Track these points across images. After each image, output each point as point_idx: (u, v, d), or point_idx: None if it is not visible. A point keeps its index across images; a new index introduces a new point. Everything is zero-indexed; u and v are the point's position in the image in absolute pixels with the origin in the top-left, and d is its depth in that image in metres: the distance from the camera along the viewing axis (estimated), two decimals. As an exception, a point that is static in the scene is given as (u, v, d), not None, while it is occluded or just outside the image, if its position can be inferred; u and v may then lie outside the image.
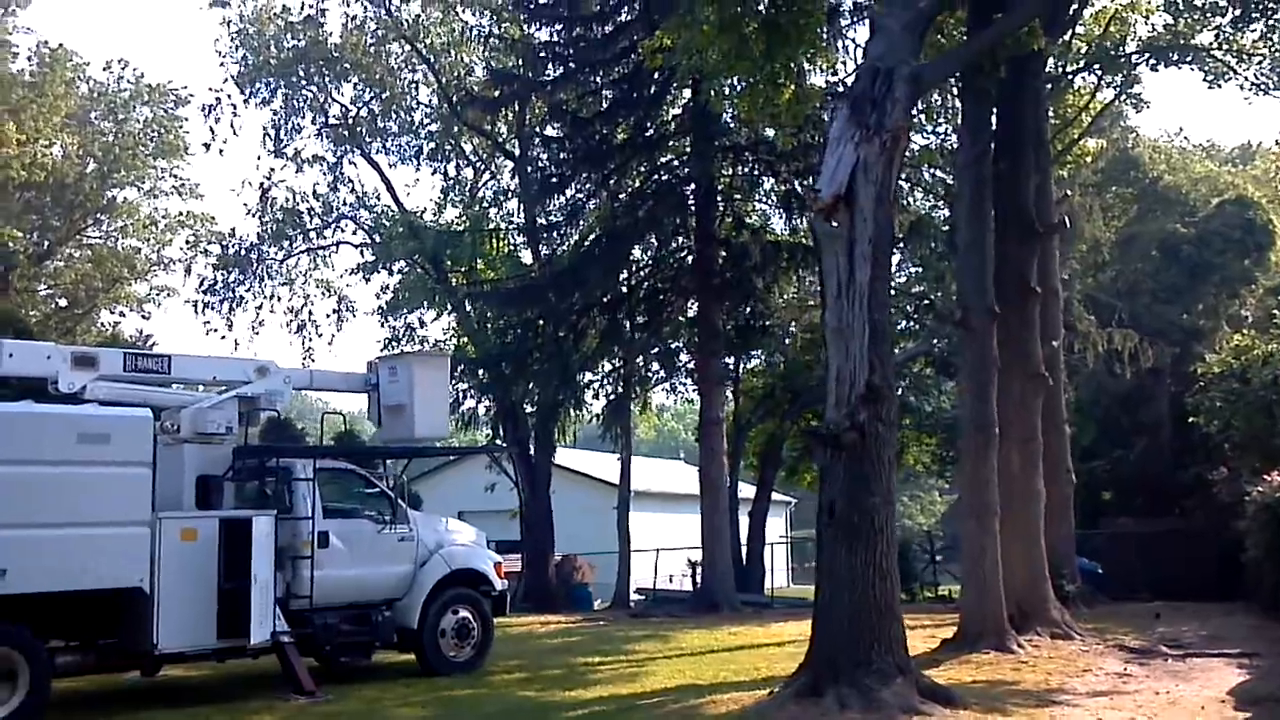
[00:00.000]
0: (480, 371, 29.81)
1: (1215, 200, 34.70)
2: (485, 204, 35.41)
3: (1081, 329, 30.55)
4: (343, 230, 35.66)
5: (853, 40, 25.98)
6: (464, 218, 34.68)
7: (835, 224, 13.63)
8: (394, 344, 34.95)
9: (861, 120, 13.71)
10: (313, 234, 35.24)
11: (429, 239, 32.12)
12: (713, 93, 22.25)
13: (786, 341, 31.04)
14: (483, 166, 36.20)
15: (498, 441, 32.64)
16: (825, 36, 20.75)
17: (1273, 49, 19.75)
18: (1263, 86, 21.03)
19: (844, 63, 25.98)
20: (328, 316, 36.37)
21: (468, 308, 32.96)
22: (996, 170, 19.26)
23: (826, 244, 13.82)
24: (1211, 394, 28.12)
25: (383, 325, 35.50)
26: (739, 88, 20.46)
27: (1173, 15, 22.09)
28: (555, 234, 31.05)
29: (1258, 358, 26.21)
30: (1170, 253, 33.90)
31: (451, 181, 35.93)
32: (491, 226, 34.04)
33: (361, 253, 35.28)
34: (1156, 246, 34.50)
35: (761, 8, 18.17)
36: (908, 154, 19.70)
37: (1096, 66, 25.88)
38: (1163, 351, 31.98)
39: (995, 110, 19.77)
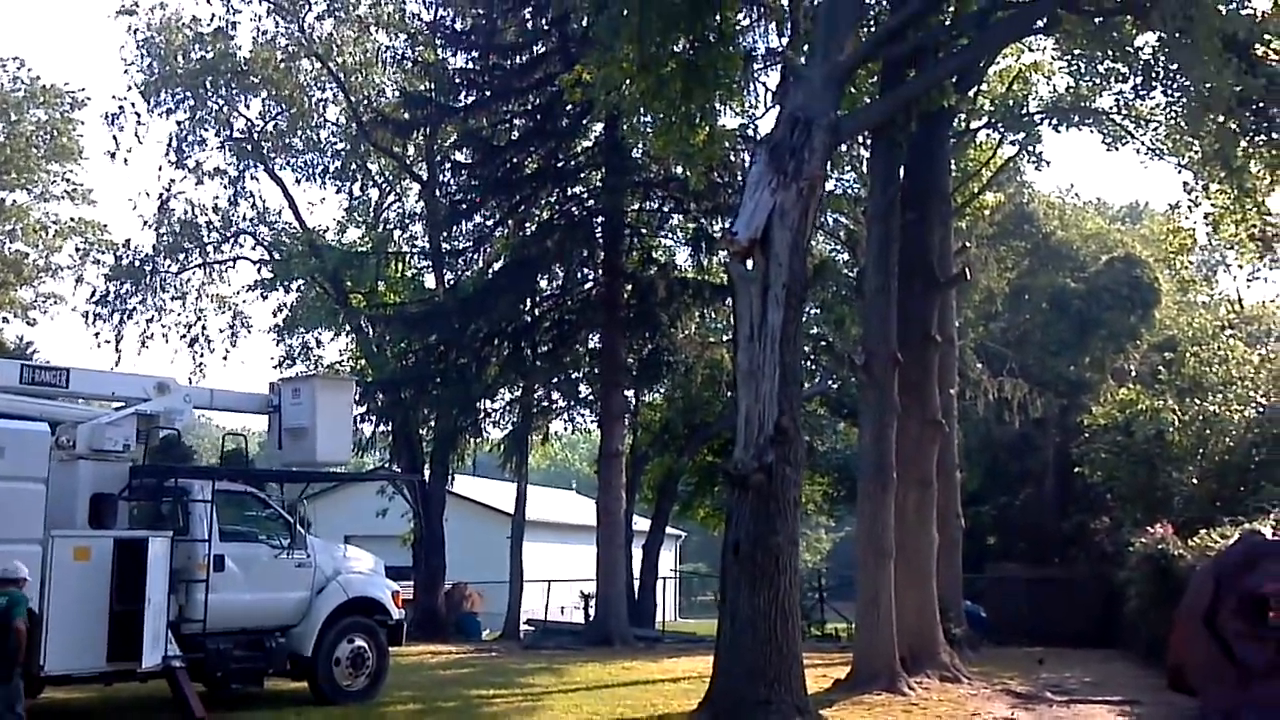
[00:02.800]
0: (379, 395, 29.44)
1: (1105, 257, 35.74)
2: (390, 226, 35.08)
3: (973, 377, 31.21)
4: (241, 246, 35.11)
5: (764, 85, 26.49)
6: (367, 239, 34.35)
7: (751, 266, 13.86)
8: (289, 363, 34.57)
9: (780, 167, 14.00)
10: (210, 248, 34.60)
11: (331, 258, 31.82)
12: (628, 128, 22.41)
13: (688, 376, 31.20)
14: (389, 188, 35.88)
15: (393, 467, 32.34)
16: (739, 80, 21.08)
17: (1168, 117, 20.48)
18: (1158, 152, 21.82)
19: (755, 106, 26.57)
20: (221, 332, 35.60)
21: (367, 329, 32.65)
22: (903, 221, 19.64)
23: (741, 286, 14.04)
24: (1096, 445, 28.96)
25: (278, 344, 35.09)
26: (654, 125, 20.68)
27: (1074, 79, 22.82)
28: (461, 260, 30.99)
29: (1141, 411, 27.02)
30: (1060, 306, 34.81)
31: (356, 201, 35.57)
32: (395, 249, 33.79)
33: (259, 269, 34.78)
34: (1047, 300, 35.41)
35: (680, 49, 18.47)
36: (817, 200, 20.03)
37: (999, 124, 26.63)
38: (1050, 401, 32.83)
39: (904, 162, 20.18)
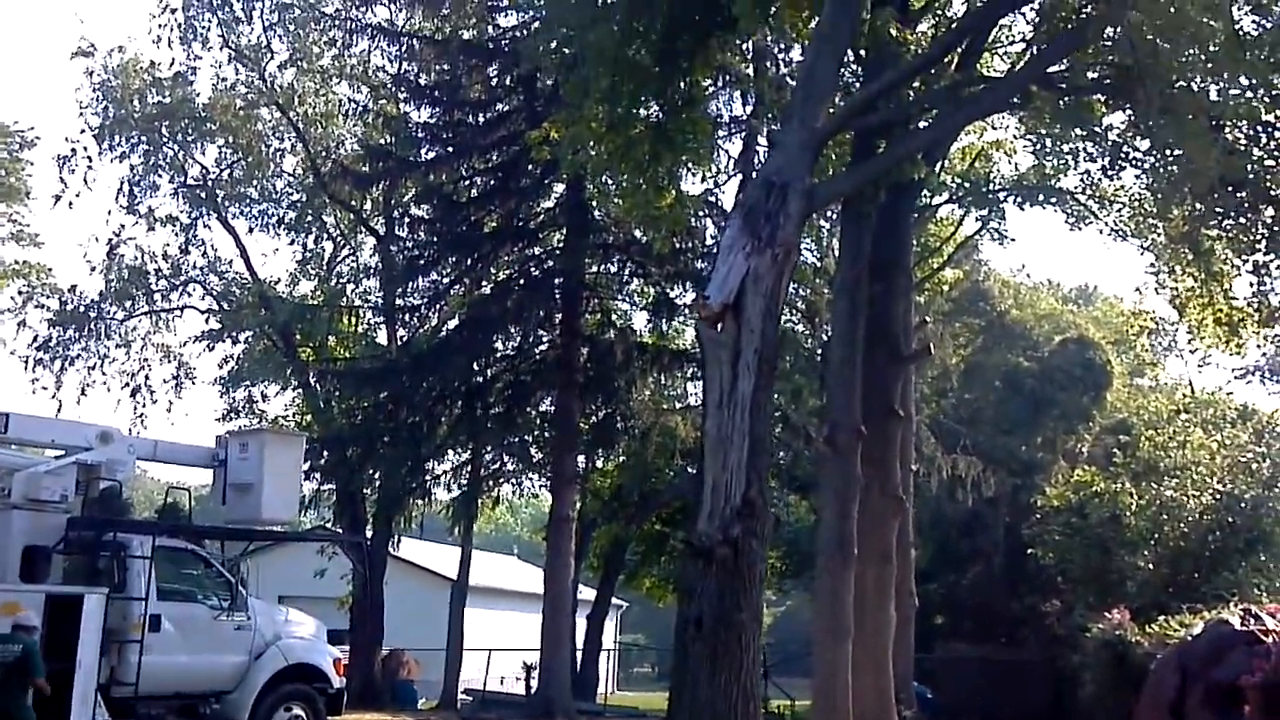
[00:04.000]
0: (324, 453, 28.70)
1: (1058, 338, 35.97)
2: (343, 280, 34.51)
3: (927, 453, 31.01)
4: (190, 295, 34.32)
5: (727, 152, 26.59)
6: (319, 292, 33.75)
7: (721, 332, 13.52)
8: (232, 416, 33.75)
9: (754, 231, 13.71)
10: (158, 296, 33.84)
11: (281, 310, 31.18)
12: (594, 188, 22.20)
13: (643, 442, 30.72)
14: (344, 241, 35.35)
15: (334, 527, 31.47)
16: (706, 146, 20.97)
17: (1133, 198, 20.54)
18: (1121, 233, 21.88)
19: (719, 174, 26.60)
20: (165, 382, 34.64)
21: (314, 385, 31.95)
22: (869, 293, 19.44)
23: (711, 352, 13.68)
24: (1049, 527, 28.82)
25: (223, 396, 34.25)
26: (620, 187, 20.49)
27: (1038, 157, 22.90)
28: (415, 317, 30.46)
29: (1096, 494, 26.93)
30: (1013, 385, 34.88)
31: (310, 254, 34.95)
32: (348, 304, 33.21)
33: (207, 319, 34.01)
34: (1000, 378, 35.47)
35: (649, 113, 18.32)
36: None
37: (963, 199, 26.69)
38: (1002, 480, 32.70)
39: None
